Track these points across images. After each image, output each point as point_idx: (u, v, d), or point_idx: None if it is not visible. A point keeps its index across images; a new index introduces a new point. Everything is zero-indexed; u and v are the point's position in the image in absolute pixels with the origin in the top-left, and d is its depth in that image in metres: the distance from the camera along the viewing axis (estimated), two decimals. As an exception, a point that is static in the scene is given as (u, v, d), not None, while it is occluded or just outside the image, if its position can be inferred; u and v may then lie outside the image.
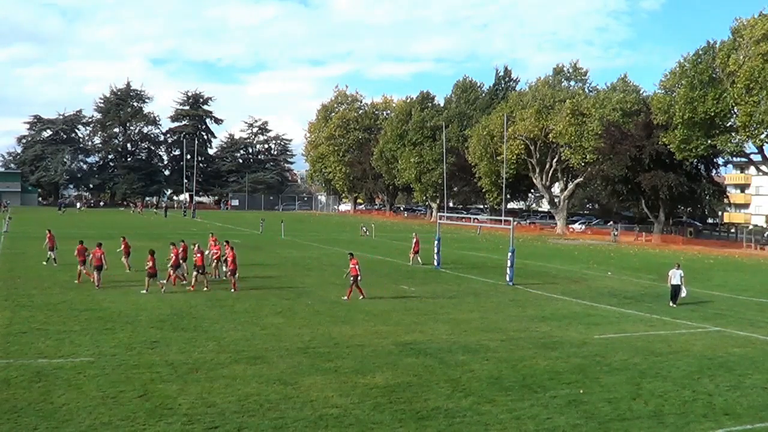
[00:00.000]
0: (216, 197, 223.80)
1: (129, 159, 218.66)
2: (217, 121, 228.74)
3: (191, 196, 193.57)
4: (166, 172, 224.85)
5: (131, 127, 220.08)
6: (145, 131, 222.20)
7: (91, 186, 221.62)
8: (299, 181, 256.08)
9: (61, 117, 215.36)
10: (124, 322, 32.08)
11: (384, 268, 55.83)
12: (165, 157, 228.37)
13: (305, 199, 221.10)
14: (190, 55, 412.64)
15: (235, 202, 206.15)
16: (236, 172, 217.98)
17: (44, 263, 48.08)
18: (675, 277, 42.26)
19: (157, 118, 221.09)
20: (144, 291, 40.44)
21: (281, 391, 21.63)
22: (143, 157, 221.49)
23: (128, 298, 38.55)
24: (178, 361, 25.16)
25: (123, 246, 50.51)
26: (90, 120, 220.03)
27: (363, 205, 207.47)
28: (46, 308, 35.12)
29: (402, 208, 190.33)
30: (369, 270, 53.30)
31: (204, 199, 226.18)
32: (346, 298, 39.92)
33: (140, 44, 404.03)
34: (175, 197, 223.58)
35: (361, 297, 40.06)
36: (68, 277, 44.60)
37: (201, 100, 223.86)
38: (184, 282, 43.79)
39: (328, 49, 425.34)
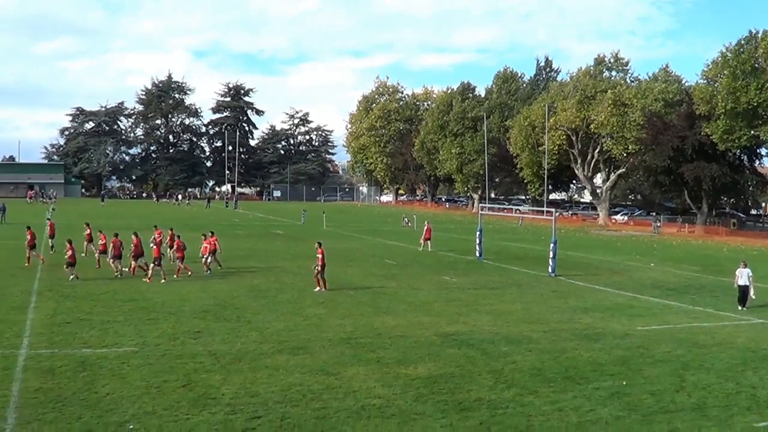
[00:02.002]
0: (258, 188, 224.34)
1: (171, 150, 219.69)
2: (259, 112, 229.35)
3: (233, 187, 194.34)
4: (208, 164, 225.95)
5: (173, 119, 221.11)
6: (186, 123, 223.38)
7: (133, 177, 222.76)
8: (341, 172, 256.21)
9: (103, 109, 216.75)
10: (167, 312, 32.30)
11: (426, 259, 55.79)
12: (207, 149, 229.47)
13: (347, 190, 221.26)
14: (231, 47, 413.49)
15: (277, 193, 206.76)
16: (278, 163, 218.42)
17: (83, 255, 48.32)
18: (742, 276, 38.26)
19: (199, 110, 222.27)
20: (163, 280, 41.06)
21: (324, 382, 21.67)
22: (185, 149, 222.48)
23: (171, 289, 38.76)
24: (221, 351, 25.30)
25: (156, 236, 50.75)
26: (132, 112, 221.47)
27: (404, 196, 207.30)
28: (90, 298, 35.41)
29: (443, 199, 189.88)
30: (411, 261, 53.43)
31: (246, 190, 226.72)
32: (317, 289, 39.70)
33: (182, 36, 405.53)
34: (217, 188, 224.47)
35: (318, 289, 39.66)
36: (110, 270, 44.90)
37: (242, 91, 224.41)
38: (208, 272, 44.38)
39: (369, 40, 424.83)
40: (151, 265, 42.26)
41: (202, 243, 45.03)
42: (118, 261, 43.30)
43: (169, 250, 48.97)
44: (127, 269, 43.43)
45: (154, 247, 43.18)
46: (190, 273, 43.67)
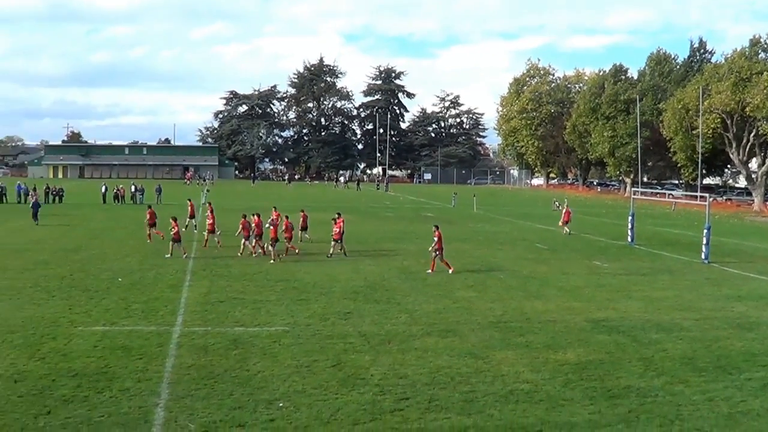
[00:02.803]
0: (408, 171, 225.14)
1: (323, 133, 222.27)
2: (409, 95, 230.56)
3: (384, 170, 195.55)
4: (360, 146, 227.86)
5: (325, 102, 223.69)
6: (338, 106, 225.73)
7: (286, 159, 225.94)
8: (491, 155, 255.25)
9: (256, 92, 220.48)
10: (318, 293, 32.67)
11: (577, 244, 55.23)
12: (358, 131, 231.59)
13: (497, 173, 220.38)
14: (382, 31, 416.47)
15: (428, 176, 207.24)
16: (428, 146, 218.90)
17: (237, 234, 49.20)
18: None
19: (350, 93, 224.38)
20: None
21: (472, 365, 21.66)
22: (337, 132, 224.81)
23: (323, 270, 39.19)
24: (371, 332, 25.50)
25: (302, 219, 51.32)
26: (284, 95, 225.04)
27: (555, 180, 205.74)
28: (243, 278, 36.10)
29: (595, 183, 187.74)
30: (562, 245, 52.96)
31: (397, 172, 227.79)
32: (430, 271, 39.58)
33: (333, 20, 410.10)
34: (368, 171, 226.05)
35: (429, 271, 39.42)
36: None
37: (393, 74, 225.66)
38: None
39: (520, 22, 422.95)
40: (266, 245, 43.23)
41: (332, 226, 45.07)
42: (246, 241, 44.20)
43: (301, 232, 49.67)
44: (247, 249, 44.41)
45: (271, 227, 43.69)
46: (297, 251, 44.53)
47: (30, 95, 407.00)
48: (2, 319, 26.54)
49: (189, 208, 57.00)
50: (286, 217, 45.62)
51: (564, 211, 63.85)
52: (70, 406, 17.76)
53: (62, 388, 19.02)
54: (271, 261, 41.71)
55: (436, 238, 39.66)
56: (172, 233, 43.48)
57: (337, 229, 44.10)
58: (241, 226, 44.39)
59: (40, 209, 64.57)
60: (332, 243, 44.24)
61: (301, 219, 50.89)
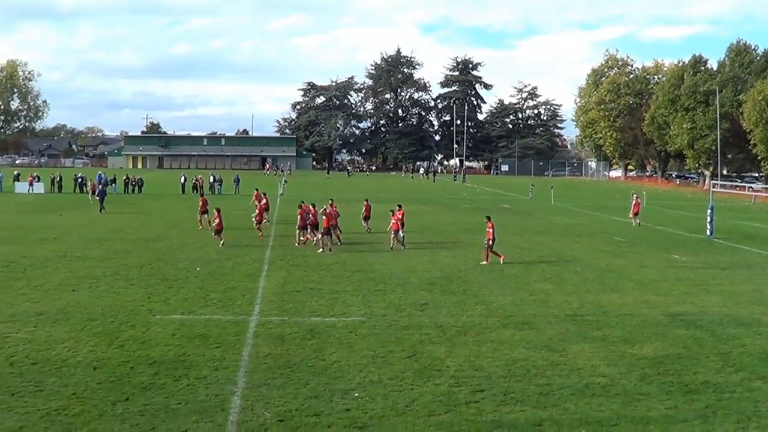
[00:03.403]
0: (486, 162, 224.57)
1: (400, 124, 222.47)
2: (487, 86, 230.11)
3: (461, 161, 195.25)
4: (437, 137, 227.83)
5: (402, 93, 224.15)
6: (415, 97, 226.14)
7: (363, 150, 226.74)
8: (569, 146, 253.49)
9: (333, 84, 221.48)
10: (395, 283, 32.76)
11: (655, 237, 54.71)
12: (435, 123, 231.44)
13: (575, 164, 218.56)
14: (460, 21, 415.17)
15: (505, 167, 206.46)
16: (506, 138, 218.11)
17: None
18: None
19: (427, 84, 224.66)
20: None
21: (548, 358, 21.59)
22: (414, 123, 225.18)
23: (399, 260, 39.26)
24: (447, 324, 25.49)
25: (364, 209, 51.50)
26: (362, 86, 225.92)
27: (634, 172, 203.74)
28: (320, 268, 36.31)
29: (674, 175, 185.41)
30: (640, 238, 52.50)
31: (474, 164, 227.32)
32: (485, 262, 39.33)
33: (411, 11, 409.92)
34: (445, 162, 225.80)
35: (484, 262, 39.16)
36: (342, 238, 45.76)
37: (470, 65, 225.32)
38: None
39: (599, 12, 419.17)
40: (319, 235, 43.34)
41: (390, 218, 44.93)
42: (304, 230, 44.74)
43: (363, 221, 49.90)
44: (303, 239, 44.86)
45: (324, 218, 43.75)
46: (339, 243, 44.65)
47: (110, 87, 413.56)
48: (82, 307, 27.00)
49: (256, 197, 57.67)
50: (332, 206, 45.50)
51: (633, 202, 63.35)
52: (147, 393, 18.01)
53: (140, 375, 19.30)
54: (320, 251, 42.06)
55: (489, 230, 39.44)
56: (215, 224, 44.35)
57: (395, 221, 43.70)
58: (299, 216, 44.98)
59: (105, 198, 66.72)
60: (391, 235, 43.96)
61: (364, 209, 51.06)
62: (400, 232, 43.66)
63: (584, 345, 23.14)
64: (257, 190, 56.15)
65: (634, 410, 17.61)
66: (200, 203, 51.53)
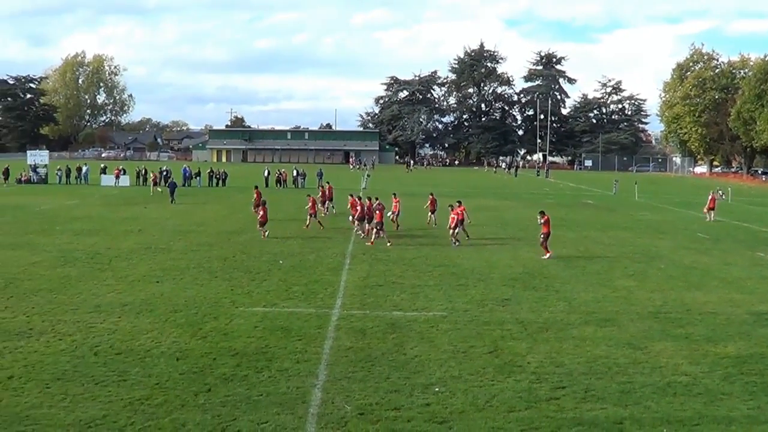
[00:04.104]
0: (569, 157, 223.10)
1: (483, 119, 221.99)
2: (570, 80, 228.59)
3: (544, 156, 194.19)
4: (520, 132, 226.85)
5: (485, 88, 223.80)
6: (498, 91, 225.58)
7: (446, 145, 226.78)
8: (653, 142, 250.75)
9: (416, 78, 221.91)
10: (476, 279, 32.67)
11: (740, 234, 53.90)
12: (518, 117, 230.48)
13: (659, 160, 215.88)
14: (544, 15, 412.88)
15: (588, 163, 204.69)
16: (589, 133, 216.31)
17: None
18: None
19: (511, 79, 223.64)
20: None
21: (630, 355, 21.39)
22: (497, 117, 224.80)
23: (481, 255, 39.16)
24: (529, 320, 25.39)
25: (430, 203, 51.49)
26: (445, 81, 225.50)
27: (719, 168, 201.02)
28: (402, 263, 36.36)
29: (760, 172, 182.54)
30: (725, 235, 51.79)
31: (557, 159, 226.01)
32: (546, 256, 38.86)
33: (494, 5, 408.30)
34: (528, 157, 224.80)
35: (547, 255, 38.74)
36: (424, 233, 45.86)
37: (554, 59, 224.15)
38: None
39: (684, 6, 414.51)
40: (374, 229, 43.40)
41: (449, 213, 44.67)
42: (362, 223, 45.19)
43: (430, 215, 49.83)
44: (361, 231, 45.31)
45: (377, 212, 43.82)
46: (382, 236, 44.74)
47: (195, 81, 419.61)
48: (166, 299, 27.37)
49: (326, 190, 58.13)
50: (377, 200, 46.08)
51: (710, 198, 62.60)
52: (229, 384, 18.21)
53: (222, 366, 19.52)
54: (368, 244, 42.53)
55: (543, 222, 39.07)
56: (259, 216, 45.18)
57: (454, 217, 43.15)
58: (349, 205, 46.64)
59: (176, 189, 68.76)
60: (450, 232, 43.33)
61: (429, 202, 51.04)
62: (459, 229, 43.17)
63: (667, 343, 22.87)
64: (323, 186, 56.42)
65: (716, 410, 17.39)
66: (255, 196, 50.99)
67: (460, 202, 44.89)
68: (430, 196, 52.25)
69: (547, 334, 23.48)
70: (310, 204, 49.18)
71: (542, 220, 39.16)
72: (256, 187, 52.21)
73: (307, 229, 47.87)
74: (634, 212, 69.05)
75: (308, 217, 48.82)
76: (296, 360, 20.18)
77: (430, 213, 51.37)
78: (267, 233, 44.33)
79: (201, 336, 22.39)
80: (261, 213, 44.88)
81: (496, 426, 16.05)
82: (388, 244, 41.96)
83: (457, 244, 42.53)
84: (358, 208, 45.29)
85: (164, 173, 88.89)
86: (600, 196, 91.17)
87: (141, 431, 15.45)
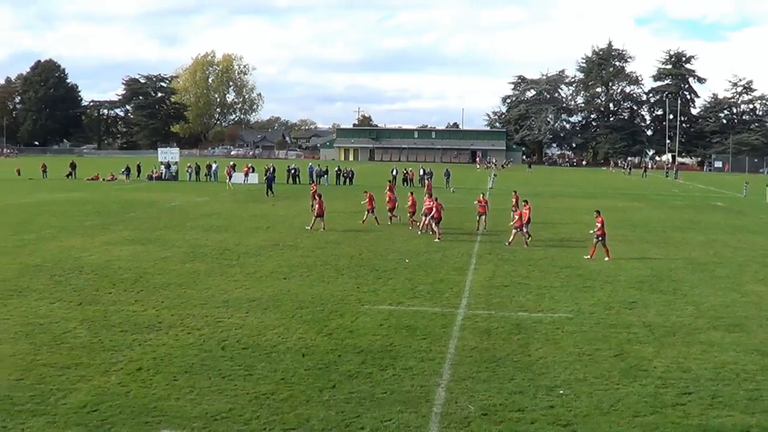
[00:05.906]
0: (698, 158, 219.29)
1: (611, 119, 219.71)
2: (701, 80, 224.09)
3: (674, 157, 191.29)
4: (648, 132, 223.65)
5: (613, 87, 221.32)
6: (627, 91, 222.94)
7: (573, 145, 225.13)
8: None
9: (544, 77, 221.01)
10: (603, 281, 32.42)
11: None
12: (647, 117, 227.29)
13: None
14: (674, 13, 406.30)
15: (718, 164, 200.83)
16: (719, 133, 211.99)
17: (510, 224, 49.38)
18: None
19: (639, 78, 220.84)
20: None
21: (759, 362, 20.98)
22: (625, 117, 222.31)
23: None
24: (656, 324, 25.10)
25: (514, 201, 51.12)
26: (572, 80, 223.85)
27: None
28: (528, 263, 36.29)
29: None
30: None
31: (686, 160, 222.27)
32: (588, 256, 38.13)
33: (624, 3, 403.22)
34: (657, 158, 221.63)
35: (606, 258, 37.74)
36: (551, 234, 45.68)
37: (683, 58, 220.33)
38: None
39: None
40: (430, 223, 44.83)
41: (513, 213, 44.14)
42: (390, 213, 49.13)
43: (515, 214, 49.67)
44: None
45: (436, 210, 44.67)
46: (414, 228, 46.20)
47: (323, 80, 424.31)
48: (293, 295, 27.77)
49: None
50: (411, 194, 49.61)
51: None
52: (354, 381, 18.42)
53: (347, 363, 19.75)
54: (418, 232, 45.30)
55: (599, 224, 38.30)
56: (315, 208, 47.13)
57: (517, 217, 42.60)
58: (387, 198, 50.49)
59: (274, 183, 73.85)
60: (512, 231, 42.67)
61: (514, 201, 50.79)
62: (524, 229, 42.39)
63: (801, 350, 22.38)
64: (390, 181, 57.06)
65: None
66: (367, 199, 51.20)
67: (526, 202, 44.62)
68: (514, 193, 51.62)
69: (674, 339, 23.19)
70: (367, 200, 50.44)
71: (598, 222, 38.59)
72: (366, 192, 52.01)
73: (363, 224, 49.65)
74: (764, 215, 67.65)
75: (366, 212, 50.56)
76: (420, 359, 20.31)
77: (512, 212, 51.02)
78: (312, 226, 46.46)
79: (326, 333, 22.68)
80: (317, 206, 46.89)
81: (621, 431, 15.96)
82: (437, 239, 43.18)
83: (525, 245, 41.68)
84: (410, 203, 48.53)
85: (311, 172, 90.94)
86: (730, 199, 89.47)
87: (266, 425, 15.73)
